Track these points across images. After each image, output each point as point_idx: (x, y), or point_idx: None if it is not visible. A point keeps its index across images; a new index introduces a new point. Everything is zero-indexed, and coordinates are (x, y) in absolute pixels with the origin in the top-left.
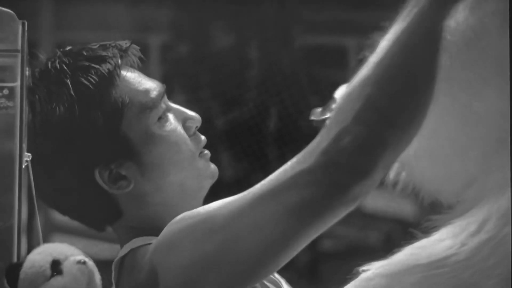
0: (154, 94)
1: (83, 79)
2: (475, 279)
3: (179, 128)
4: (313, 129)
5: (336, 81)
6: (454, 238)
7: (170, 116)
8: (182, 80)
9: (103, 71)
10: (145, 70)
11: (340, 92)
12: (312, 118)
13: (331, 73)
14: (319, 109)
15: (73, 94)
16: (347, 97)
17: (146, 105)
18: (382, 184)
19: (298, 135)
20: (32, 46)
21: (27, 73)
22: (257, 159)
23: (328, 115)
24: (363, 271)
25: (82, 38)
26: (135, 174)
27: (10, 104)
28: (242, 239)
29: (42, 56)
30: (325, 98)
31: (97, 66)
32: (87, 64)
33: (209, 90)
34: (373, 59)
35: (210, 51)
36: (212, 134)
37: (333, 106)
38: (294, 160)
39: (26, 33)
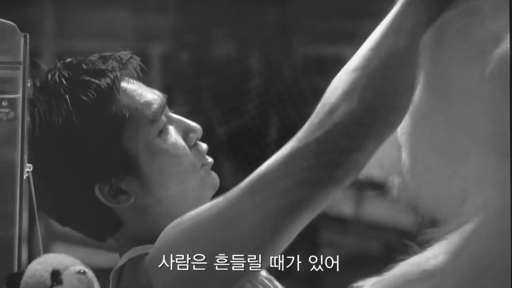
0: (154, 107)
1: (82, 96)
2: None
3: (180, 141)
4: None
5: None
6: (447, 255)
7: (171, 129)
8: (184, 89)
9: (102, 86)
10: (146, 79)
11: None
12: None
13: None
14: None
15: (71, 109)
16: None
17: (147, 119)
18: (382, 194)
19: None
20: (34, 55)
21: (28, 84)
22: (259, 165)
23: None
24: (358, 287)
25: (83, 46)
26: (135, 189)
27: (11, 115)
28: (236, 227)
29: (44, 66)
30: None
31: (96, 81)
32: (86, 79)
33: (211, 99)
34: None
35: (211, 60)
36: (215, 143)
37: None
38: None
39: (28, 46)
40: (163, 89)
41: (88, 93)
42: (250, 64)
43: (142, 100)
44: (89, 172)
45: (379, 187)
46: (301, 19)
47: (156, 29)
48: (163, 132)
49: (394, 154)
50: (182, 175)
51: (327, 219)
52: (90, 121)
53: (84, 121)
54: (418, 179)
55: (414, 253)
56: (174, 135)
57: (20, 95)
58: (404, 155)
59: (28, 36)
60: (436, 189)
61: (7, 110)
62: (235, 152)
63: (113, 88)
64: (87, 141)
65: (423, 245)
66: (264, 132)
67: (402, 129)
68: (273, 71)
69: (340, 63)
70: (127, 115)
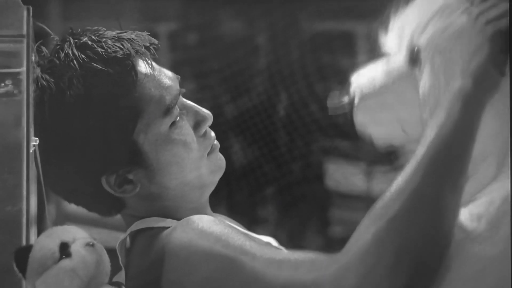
0: (169, 99)
1: (95, 86)
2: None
3: (190, 132)
4: (323, 115)
5: (344, 66)
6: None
7: (182, 120)
8: (191, 68)
9: (118, 78)
10: (155, 58)
11: (356, 76)
12: (329, 103)
13: (339, 58)
14: (337, 93)
15: (83, 101)
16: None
17: (160, 112)
18: (393, 170)
19: (308, 120)
20: (40, 34)
21: (33, 58)
22: (267, 144)
23: (345, 99)
24: None
25: (90, 27)
26: (142, 179)
27: (16, 91)
28: None
29: (53, 35)
30: (333, 84)
31: (111, 71)
32: (102, 68)
33: (218, 77)
34: (408, 169)
35: (218, 38)
36: (222, 121)
37: (350, 90)
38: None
39: (31, 19)
40: (170, 68)
41: (102, 85)
42: (257, 42)
43: (156, 93)
44: (97, 164)
45: (388, 163)
46: None
47: (163, 9)
48: (174, 124)
49: (416, 115)
50: (190, 165)
51: (338, 196)
52: (102, 114)
53: (96, 113)
54: None
55: None
56: (185, 126)
57: (24, 68)
58: (426, 114)
59: (31, 8)
60: None
61: (12, 85)
62: (242, 129)
63: (128, 81)
64: (98, 133)
65: None
66: (270, 109)
67: (423, 89)
68: (279, 48)
69: (346, 39)
70: (141, 109)
